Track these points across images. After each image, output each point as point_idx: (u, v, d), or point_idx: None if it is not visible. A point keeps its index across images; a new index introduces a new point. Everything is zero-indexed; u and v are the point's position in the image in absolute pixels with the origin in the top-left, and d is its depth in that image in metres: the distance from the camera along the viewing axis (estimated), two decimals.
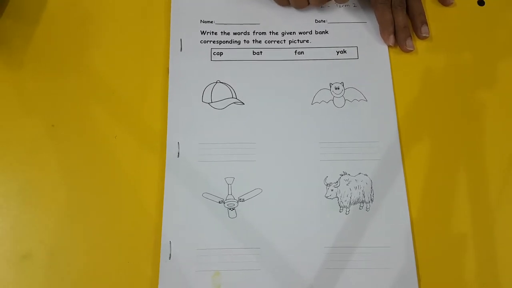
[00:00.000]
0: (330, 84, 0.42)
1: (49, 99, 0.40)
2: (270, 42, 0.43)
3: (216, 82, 0.41)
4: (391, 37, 0.42)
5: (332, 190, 0.38)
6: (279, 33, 0.43)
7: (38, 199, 0.37)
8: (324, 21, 0.44)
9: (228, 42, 0.42)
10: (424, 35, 0.43)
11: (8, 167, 0.38)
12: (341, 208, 0.38)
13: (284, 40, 0.43)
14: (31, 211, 0.36)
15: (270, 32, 0.43)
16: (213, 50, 0.42)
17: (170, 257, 0.35)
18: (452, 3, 0.44)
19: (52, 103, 0.40)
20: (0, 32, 0.41)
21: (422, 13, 0.43)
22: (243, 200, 0.38)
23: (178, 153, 0.39)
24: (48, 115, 0.39)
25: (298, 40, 0.43)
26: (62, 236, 0.36)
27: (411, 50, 0.42)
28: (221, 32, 0.43)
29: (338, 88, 0.42)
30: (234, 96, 0.41)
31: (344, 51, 0.43)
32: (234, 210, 0.37)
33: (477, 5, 0.45)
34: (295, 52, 0.43)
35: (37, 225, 0.36)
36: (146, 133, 0.39)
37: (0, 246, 0.35)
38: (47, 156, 0.38)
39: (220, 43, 0.42)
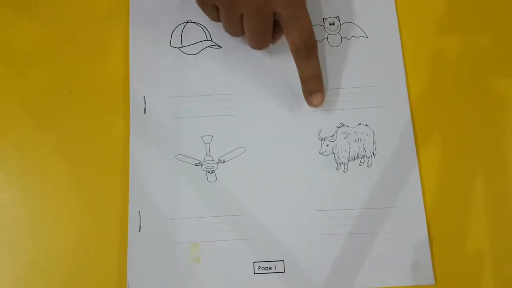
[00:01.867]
0: (324, 19, 0.35)
1: None
2: None
3: (187, 22, 0.34)
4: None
5: (327, 145, 0.32)
6: None
7: None
8: None
9: None
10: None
11: None
12: (338, 165, 0.32)
13: None
14: None
15: None
16: None
17: (139, 229, 0.31)
18: (315, 105, 0.32)
19: None
20: None
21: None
22: (224, 161, 0.32)
23: (145, 109, 0.33)
24: None
25: None
26: (16, 210, 0.31)
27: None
28: None
29: (333, 24, 0.35)
30: (209, 39, 0.34)
31: None
32: (213, 173, 0.32)
33: None
34: None
35: None
36: (106, 87, 0.33)
37: None
38: None
39: None
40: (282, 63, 0.34)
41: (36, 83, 0.33)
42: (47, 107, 0.33)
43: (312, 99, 0.32)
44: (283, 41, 0.32)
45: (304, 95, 0.33)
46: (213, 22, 0.34)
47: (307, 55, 0.31)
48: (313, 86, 0.32)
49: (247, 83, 0.33)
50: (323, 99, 0.32)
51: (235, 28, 0.31)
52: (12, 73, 0.33)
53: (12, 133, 0.32)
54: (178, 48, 0.34)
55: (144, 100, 0.33)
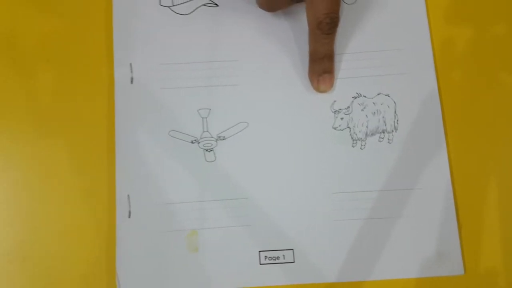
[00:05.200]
0: None
1: None
2: None
3: None
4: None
5: (342, 118, 0.28)
6: None
7: None
8: None
9: None
10: None
11: None
12: (354, 141, 0.28)
13: None
14: None
15: None
16: None
17: (129, 215, 0.27)
18: (323, 89, 0.28)
19: None
20: None
21: None
22: (224, 138, 0.28)
23: (132, 79, 0.28)
24: None
25: None
26: None
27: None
28: None
29: None
30: None
31: None
32: (212, 152, 0.28)
33: None
34: None
35: None
36: (86, 52, 0.29)
37: None
38: None
39: None
40: (289, 24, 0.29)
41: (11, 51, 0.29)
42: (24, 76, 0.28)
43: (320, 80, 0.28)
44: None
45: (311, 77, 0.28)
46: None
47: (329, 31, 0.27)
48: (324, 66, 0.28)
49: (249, 47, 0.29)
50: (332, 83, 0.28)
51: None
52: None
53: None
54: (169, 7, 0.29)
55: (131, 68, 0.29)
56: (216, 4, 0.29)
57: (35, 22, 0.29)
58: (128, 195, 0.27)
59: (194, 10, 0.29)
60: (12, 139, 0.28)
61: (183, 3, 0.29)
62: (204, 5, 0.29)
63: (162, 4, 0.29)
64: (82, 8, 0.29)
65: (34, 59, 0.29)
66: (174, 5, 0.29)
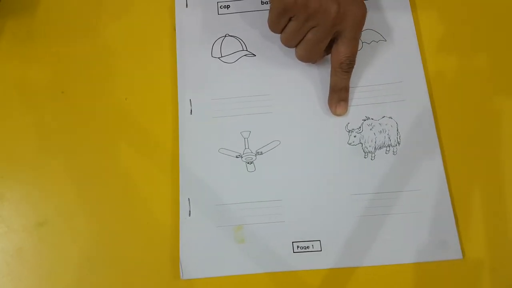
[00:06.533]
0: None
1: (58, 66, 0.39)
2: None
3: (225, 36, 0.39)
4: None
5: (355, 136, 0.36)
6: None
7: (51, 164, 0.36)
8: None
9: None
10: None
11: (20, 134, 0.37)
12: (366, 154, 0.35)
13: None
14: (45, 178, 0.36)
15: None
16: (220, 4, 0.40)
17: (189, 214, 0.34)
18: (339, 113, 0.36)
19: (61, 69, 0.39)
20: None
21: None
22: (261, 153, 0.36)
23: (191, 110, 0.37)
24: (57, 82, 0.39)
25: None
26: (77, 200, 0.35)
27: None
28: None
29: None
30: (245, 48, 0.39)
31: None
32: (252, 164, 0.36)
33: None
34: None
35: (52, 191, 0.36)
36: (157, 92, 0.38)
37: (17, 214, 0.35)
38: (58, 123, 0.38)
39: None
40: (308, 67, 0.38)
41: (97, 93, 0.38)
42: (106, 112, 0.38)
43: (337, 106, 0.36)
44: None
45: (330, 104, 0.36)
46: (248, 35, 0.39)
47: (348, 70, 0.35)
48: (342, 96, 0.36)
49: (279, 84, 0.38)
50: (347, 109, 0.36)
51: (297, 39, 0.34)
52: (68, 82, 0.39)
53: (71, 138, 0.37)
54: (218, 58, 0.39)
55: (190, 103, 0.37)
56: (254, 55, 0.39)
57: (104, 71, 0.39)
58: (189, 198, 0.35)
59: (237, 60, 0.39)
60: (99, 150, 0.37)
61: (229, 54, 0.39)
62: (245, 55, 0.39)
63: (213, 56, 0.39)
64: (155, 61, 0.39)
65: (113, 97, 0.38)
66: (222, 56, 0.39)
